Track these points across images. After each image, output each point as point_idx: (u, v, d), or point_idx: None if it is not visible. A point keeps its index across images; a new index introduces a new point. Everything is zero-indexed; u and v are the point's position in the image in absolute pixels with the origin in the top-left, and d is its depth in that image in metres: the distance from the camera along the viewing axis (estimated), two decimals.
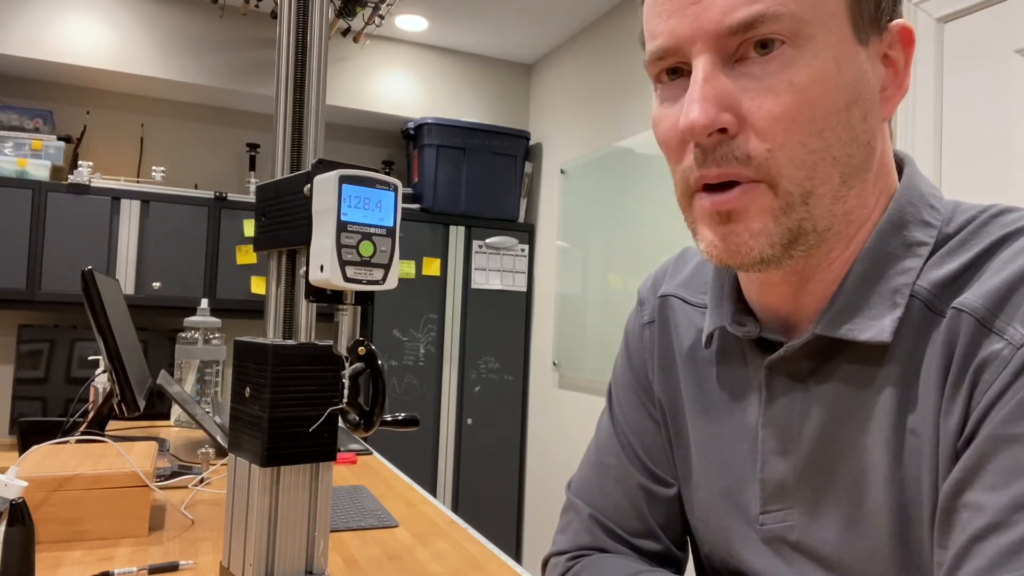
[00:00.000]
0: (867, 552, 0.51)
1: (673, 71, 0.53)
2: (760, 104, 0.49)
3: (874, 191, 0.54)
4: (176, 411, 1.97)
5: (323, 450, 0.77)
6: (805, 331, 0.55)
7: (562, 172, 3.34)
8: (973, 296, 0.48)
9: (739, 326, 0.60)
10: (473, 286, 3.40)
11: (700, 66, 0.50)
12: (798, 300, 0.56)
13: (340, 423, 0.78)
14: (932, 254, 0.52)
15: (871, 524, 0.51)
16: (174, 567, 0.92)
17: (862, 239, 0.54)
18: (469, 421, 3.36)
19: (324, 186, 0.70)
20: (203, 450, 1.39)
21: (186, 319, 1.90)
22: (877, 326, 0.51)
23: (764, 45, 0.48)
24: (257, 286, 3.12)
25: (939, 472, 0.48)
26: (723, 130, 0.49)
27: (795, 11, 0.48)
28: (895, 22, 0.53)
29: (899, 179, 0.56)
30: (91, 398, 1.69)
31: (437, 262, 3.33)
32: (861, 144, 0.51)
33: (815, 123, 0.49)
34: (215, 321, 1.91)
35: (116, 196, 2.91)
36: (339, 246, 0.69)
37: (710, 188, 0.51)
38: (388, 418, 0.78)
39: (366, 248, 0.71)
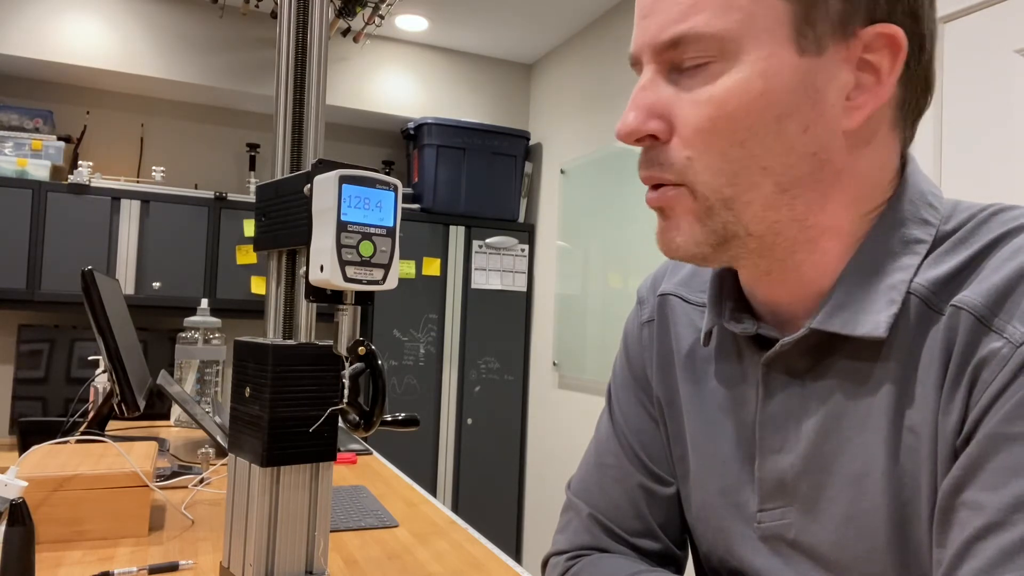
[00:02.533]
0: (865, 550, 0.51)
1: None
2: (685, 115, 0.52)
3: (845, 198, 0.53)
4: (176, 411, 1.97)
5: (323, 450, 0.77)
6: (802, 327, 0.56)
7: (562, 172, 3.34)
8: (972, 294, 0.48)
9: (736, 323, 0.60)
10: (473, 286, 3.40)
11: (644, 75, 0.54)
12: (795, 297, 0.56)
13: (340, 423, 0.78)
14: (930, 252, 0.52)
15: (869, 522, 0.51)
16: (174, 567, 0.92)
17: (846, 243, 0.54)
18: (469, 421, 3.36)
19: (324, 186, 0.70)
20: (203, 450, 1.39)
21: (186, 319, 1.90)
22: (872, 321, 0.51)
23: (694, 59, 0.51)
24: (257, 286, 3.12)
25: (938, 470, 0.48)
26: (656, 136, 0.53)
27: (719, 30, 0.49)
28: (875, 27, 0.50)
29: (901, 177, 0.56)
30: (91, 398, 1.69)
31: (437, 262, 3.33)
32: (803, 155, 0.51)
33: (736, 134, 0.51)
34: (215, 321, 1.91)
35: (116, 196, 2.91)
36: (339, 246, 0.69)
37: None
38: (388, 418, 0.78)
39: (366, 248, 0.71)
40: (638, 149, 0.56)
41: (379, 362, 0.74)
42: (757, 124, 0.50)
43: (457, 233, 3.38)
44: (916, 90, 0.54)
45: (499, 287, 3.46)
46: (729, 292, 0.62)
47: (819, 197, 0.52)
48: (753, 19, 0.49)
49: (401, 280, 3.24)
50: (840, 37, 0.50)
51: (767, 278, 0.57)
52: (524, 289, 3.51)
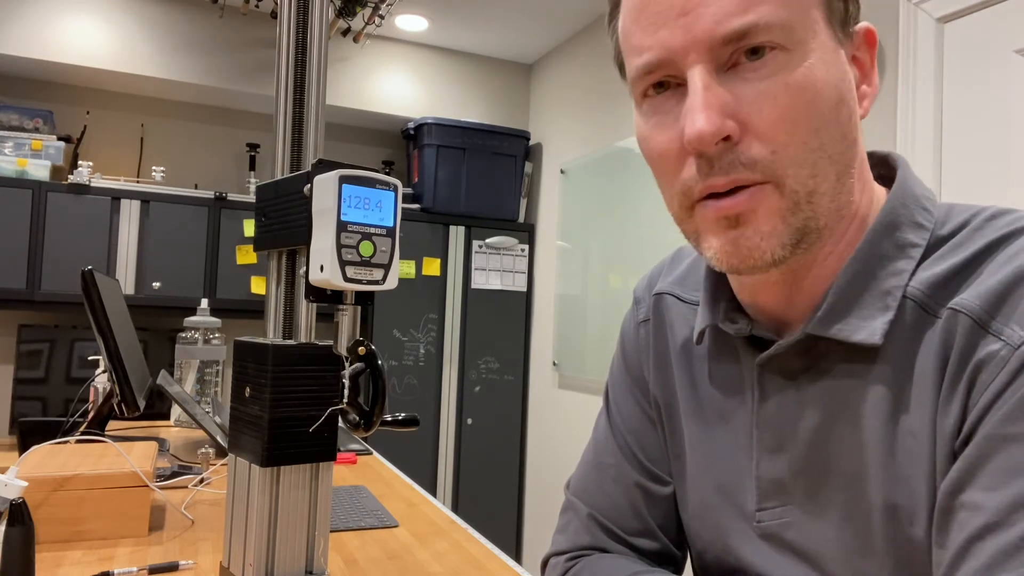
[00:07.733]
0: (861, 549, 0.51)
1: (660, 84, 0.53)
2: (759, 108, 0.49)
3: (859, 187, 0.55)
4: (176, 411, 1.97)
5: (323, 450, 0.78)
6: (797, 329, 0.56)
7: (562, 172, 3.34)
8: (970, 297, 0.48)
9: (731, 323, 0.60)
10: (473, 286, 3.40)
11: (697, 76, 0.49)
12: (791, 298, 0.56)
13: (340, 423, 0.79)
14: (925, 256, 0.52)
15: (866, 522, 0.51)
16: (174, 567, 0.92)
17: (852, 237, 0.55)
18: (469, 421, 3.36)
19: (324, 186, 0.71)
20: (203, 450, 1.39)
21: (186, 319, 1.90)
22: (868, 328, 0.51)
23: (756, 51, 0.49)
24: (257, 286, 3.12)
25: (936, 472, 0.48)
26: (727, 137, 0.49)
27: (785, 19, 0.49)
28: (860, 25, 0.54)
29: (894, 180, 0.57)
30: (91, 398, 1.69)
31: (437, 262, 3.33)
32: (850, 142, 0.52)
33: (812, 122, 0.50)
34: (215, 321, 1.91)
35: (116, 196, 2.91)
36: (339, 246, 0.69)
37: (716, 195, 0.51)
38: (388, 418, 0.78)
39: (366, 248, 0.71)
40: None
41: (379, 362, 0.74)
42: (826, 111, 0.50)
43: (457, 233, 3.38)
44: None
45: (499, 287, 3.45)
46: (723, 292, 0.62)
47: (852, 185, 0.54)
48: (806, 9, 0.50)
49: (401, 280, 3.24)
50: (846, 33, 0.53)
51: (766, 288, 0.57)
52: (524, 289, 3.51)
